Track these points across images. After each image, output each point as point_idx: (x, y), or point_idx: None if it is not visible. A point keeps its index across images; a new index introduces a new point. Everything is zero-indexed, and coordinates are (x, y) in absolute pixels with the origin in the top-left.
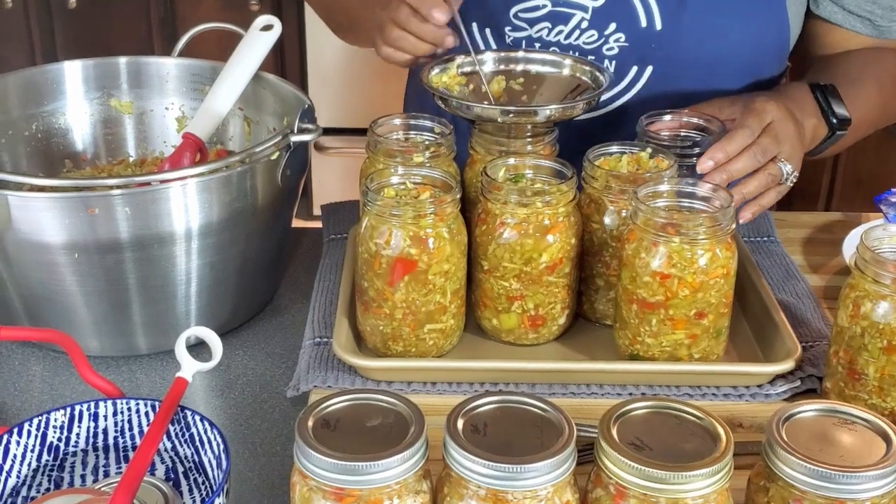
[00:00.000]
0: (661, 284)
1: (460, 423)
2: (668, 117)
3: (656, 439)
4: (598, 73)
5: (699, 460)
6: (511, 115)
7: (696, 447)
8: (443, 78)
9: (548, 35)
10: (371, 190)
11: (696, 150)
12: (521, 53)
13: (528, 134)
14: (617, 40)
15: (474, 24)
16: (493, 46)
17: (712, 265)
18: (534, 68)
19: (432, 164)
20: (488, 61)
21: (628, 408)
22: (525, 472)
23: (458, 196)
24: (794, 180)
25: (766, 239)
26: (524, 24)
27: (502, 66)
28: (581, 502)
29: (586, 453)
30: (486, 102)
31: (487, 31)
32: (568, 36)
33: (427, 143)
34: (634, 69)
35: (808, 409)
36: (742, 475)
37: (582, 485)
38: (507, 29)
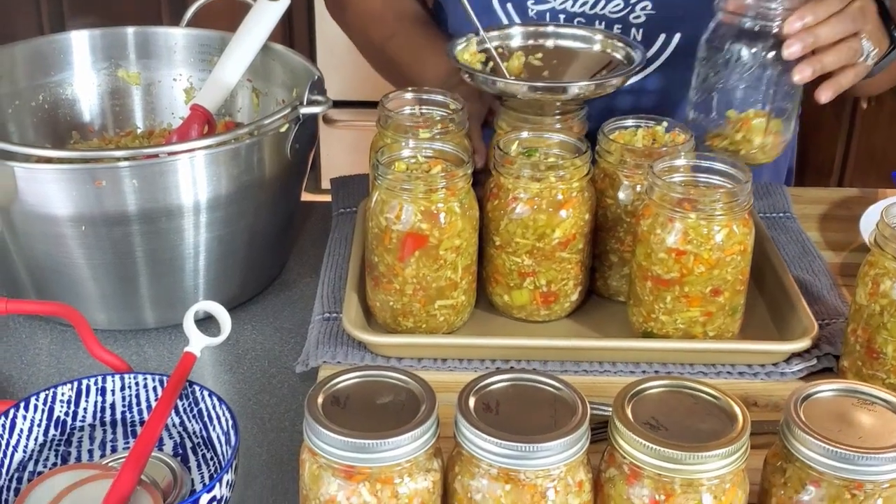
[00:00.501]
0: (677, 261)
1: (472, 401)
2: None
3: (672, 419)
4: (629, 49)
5: (715, 440)
6: (538, 92)
7: (713, 427)
8: (464, 55)
9: (572, 6)
10: (382, 164)
11: (780, 10)
12: (550, 28)
13: (558, 111)
14: (643, 8)
15: (495, 1)
16: (517, 21)
17: (729, 241)
18: (562, 43)
19: (443, 140)
20: (516, 36)
21: (643, 387)
22: (538, 451)
23: (471, 170)
24: (873, 62)
25: (782, 215)
26: None
27: (531, 42)
28: (594, 482)
29: (599, 431)
30: (512, 77)
31: (509, 5)
32: (593, 6)
33: (439, 118)
34: (662, 37)
35: (827, 388)
36: (757, 454)
37: (595, 464)
38: (529, 3)
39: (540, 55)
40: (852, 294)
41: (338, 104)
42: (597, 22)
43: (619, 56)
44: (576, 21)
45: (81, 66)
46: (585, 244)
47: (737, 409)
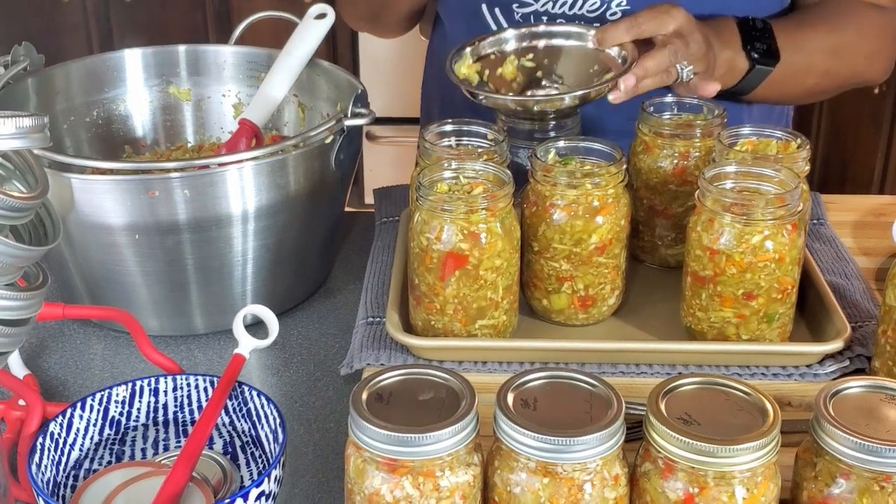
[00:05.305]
0: (711, 259)
1: (510, 398)
2: None
3: (704, 414)
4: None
5: (747, 434)
6: (539, 104)
7: (744, 422)
8: (462, 69)
9: (553, 7)
10: (423, 185)
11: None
12: (542, 28)
13: (552, 116)
14: (619, 4)
15: (484, 6)
16: (504, 25)
17: (761, 248)
18: (554, 42)
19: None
20: (510, 39)
21: (677, 383)
22: (575, 445)
23: (512, 191)
24: (689, 78)
25: (816, 222)
26: (530, 0)
27: (524, 43)
28: (630, 477)
29: (635, 430)
30: (508, 93)
31: (497, 10)
32: (572, 6)
33: (480, 150)
34: None
35: (856, 384)
36: (791, 453)
37: (631, 461)
38: (514, 6)
39: (531, 56)
40: (883, 296)
41: (380, 120)
42: (576, 21)
43: (612, 52)
44: (558, 21)
45: (134, 82)
46: (622, 249)
47: (767, 405)
